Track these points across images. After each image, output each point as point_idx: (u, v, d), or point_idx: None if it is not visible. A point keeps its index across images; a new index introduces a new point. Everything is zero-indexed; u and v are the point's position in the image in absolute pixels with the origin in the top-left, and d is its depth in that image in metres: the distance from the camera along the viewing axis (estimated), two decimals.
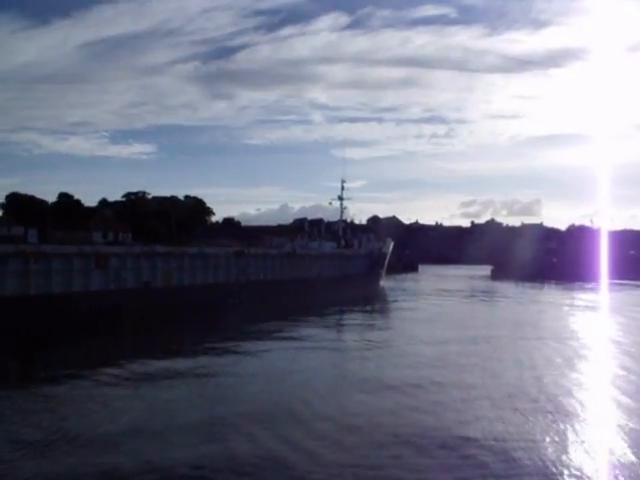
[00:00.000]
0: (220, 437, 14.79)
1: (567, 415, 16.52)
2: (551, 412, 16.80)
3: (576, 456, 13.41)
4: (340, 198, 72.55)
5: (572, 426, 15.48)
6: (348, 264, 63.77)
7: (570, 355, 26.40)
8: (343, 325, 40.53)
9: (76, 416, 16.75)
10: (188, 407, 17.87)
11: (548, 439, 14.42)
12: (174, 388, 20.33)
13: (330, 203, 73.95)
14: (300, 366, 24.40)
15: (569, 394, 19.01)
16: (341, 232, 72.44)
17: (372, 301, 55.41)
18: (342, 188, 72.81)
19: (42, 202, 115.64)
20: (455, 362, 24.86)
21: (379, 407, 17.74)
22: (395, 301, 57.25)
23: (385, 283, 73.27)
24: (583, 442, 14.38)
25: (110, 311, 33.69)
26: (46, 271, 33.45)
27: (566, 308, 50.00)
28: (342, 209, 73.82)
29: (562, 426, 15.43)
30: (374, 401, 18.58)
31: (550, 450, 13.68)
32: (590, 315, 47.26)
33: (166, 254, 41.20)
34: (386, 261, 74.29)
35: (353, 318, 43.43)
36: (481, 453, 13.41)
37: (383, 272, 73.32)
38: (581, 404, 17.87)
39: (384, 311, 51.14)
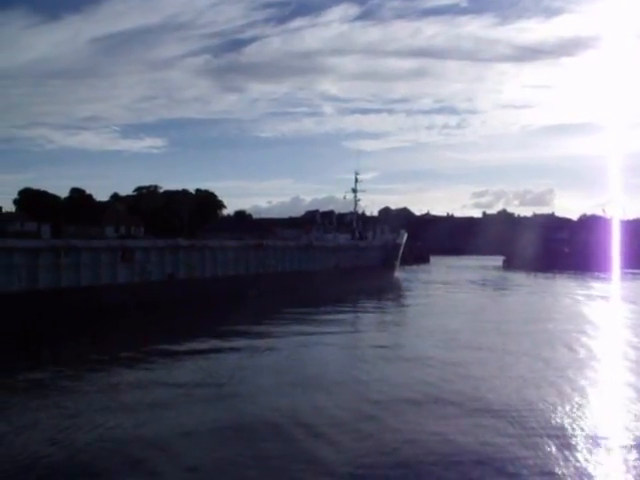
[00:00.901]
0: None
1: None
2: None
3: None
4: (354, 190, 73.61)
5: None
6: (363, 255, 64.95)
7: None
8: (368, 313, 41.60)
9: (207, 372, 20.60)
10: (270, 373, 20.71)
11: None
12: (243, 359, 23.15)
13: (345, 197, 75.05)
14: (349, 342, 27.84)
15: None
16: (355, 224, 73.46)
17: (389, 291, 56.81)
18: (356, 181, 73.89)
19: (54, 197, 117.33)
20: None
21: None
22: (411, 291, 58.36)
23: (399, 274, 74.35)
24: None
25: (136, 302, 34.94)
26: (75, 264, 34.63)
27: (581, 298, 50.80)
28: (356, 201, 74.87)
29: None
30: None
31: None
32: (607, 304, 48.07)
33: (188, 247, 42.45)
34: (400, 252, 75.40)
35: (374, 307, 44.87)
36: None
37: (397, 263, 74.42)
38: None
39: (403, 300, 52.27)
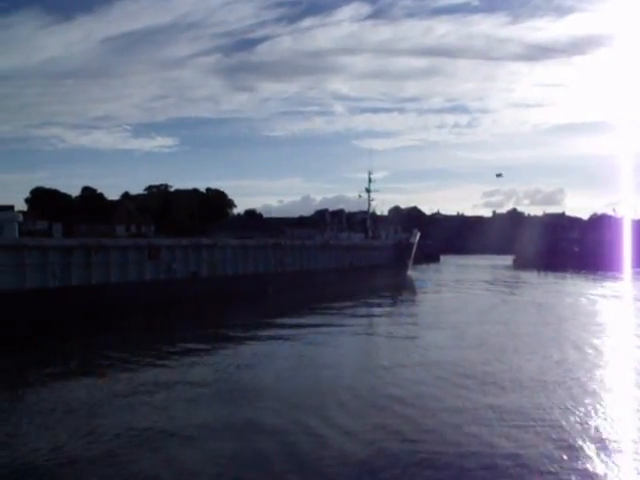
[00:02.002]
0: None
1: None
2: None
3: None
4: (367, 190, 75.22)
5: None
6: (376, 254, 66.47)
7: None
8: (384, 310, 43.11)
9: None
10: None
11: None
12: (293, 346, 26.49)
13: (359, 196, 76.59)
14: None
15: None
16: (369, 223, 74.98)
17: (403, 289, 58.19)
18: (369, 180, 75.53)
19: (66, 196, 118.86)
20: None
21: None
22: (424, 289, 59.70)
23: (411, 273, 75.76)
24: None
25: (163, 299, 36.58)
26: (105, 262, 36.24)
27: (593, 297, 51.55)
28: (370, 201, 76.36)
29: None
30: None
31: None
32: (621, 304, 48.85)
33: (211, 246, 44.03)
34: (413, 251, 76.91)
35: (390, 303, 46.52)
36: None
37: (410, 262, 75.90)
38: None
39: (418, 298, 53.69)
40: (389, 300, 48.06)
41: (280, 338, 28.25)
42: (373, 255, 65.57)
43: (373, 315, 38.90)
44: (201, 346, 25.98)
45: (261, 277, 46.84)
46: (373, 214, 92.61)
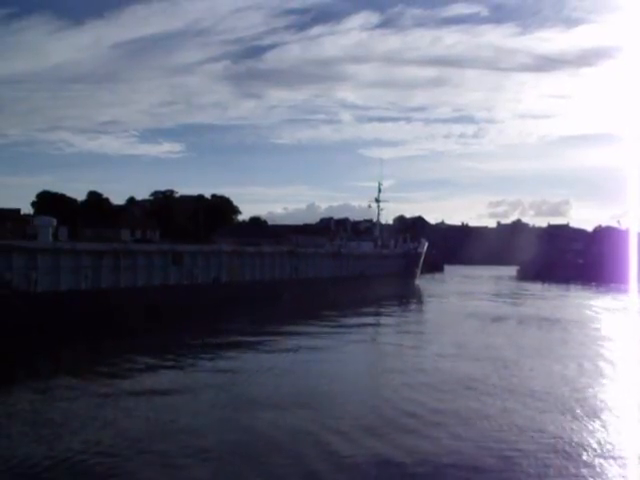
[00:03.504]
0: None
1: None
2: None
3: None
4: (377, 201, 77.40)
5: None
6: (386, 263, 68.62)
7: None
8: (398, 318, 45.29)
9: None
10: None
11: None
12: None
13: (369, 206, 78.76)
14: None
15: None
16: (377, 232, 77.12)
17: (412, 298, 60.43)
18: (379, 191, 77.80)
19: (72, 200, 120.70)
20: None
21: None
22: (431, 297, 61.78)
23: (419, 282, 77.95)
24: None
25: (186, 303, 38.61)
26: (132, 266, 38.25)
27: (598, 310, 52.87)
28: (379, 211, 78.56)
29: None
30: None
31: None
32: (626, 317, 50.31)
33: (230, 252, 46.09)
34: (421, 261, 79.12)
35: (403, 310, 48.67)
36: None
37: (418, 271, 78.11)
38: None
39: (426, 306, 55.82)
40: (398, 309, 50.23)
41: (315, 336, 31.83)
42: (383, 264, 67.73)
43: (385, 324, 41.50)
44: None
45: (277, 283, 48.91)
46: (379, 223, 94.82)
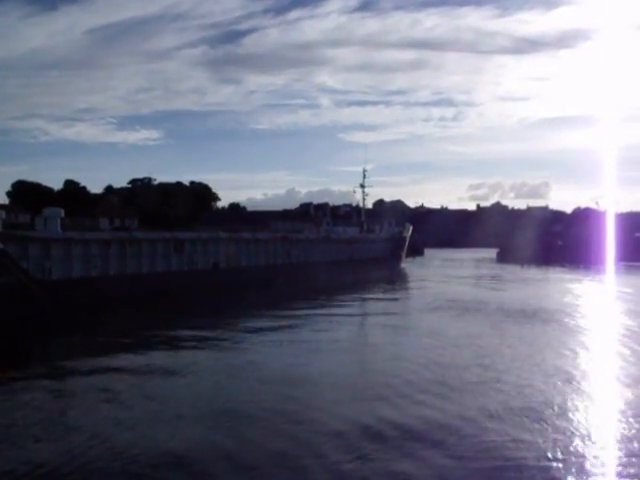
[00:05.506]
0: None
1: None
2: None
3: None
4: (362, 186, 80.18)
5: None
6: (373, 248, 71.59)
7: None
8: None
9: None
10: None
11: None
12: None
13: (354, 191, 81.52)
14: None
15: None
16: (363, 217, 79.97)
17: (399, 279, 63.59)
18: (364, 176, 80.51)
19: (48, 189, 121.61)
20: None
21: None
22: (417, 279, 64.87)
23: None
24: None
25: (188, 287, 41.11)
26: (138, 254, 40.60)
27: (574, 288, 55.86)
28: (364, 196, 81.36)
29: None
30: None
31: None
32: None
33: (227, 239, 48.65)
34: (406, 244, 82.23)
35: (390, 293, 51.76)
36: None
37: (403, 255, 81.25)
38: None
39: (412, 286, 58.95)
40: (389, 289, 53.54)
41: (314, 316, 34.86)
42: (370, 248, 70.69)
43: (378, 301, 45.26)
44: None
45: (271, 268, 51.57)
46: (357, 207, 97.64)
